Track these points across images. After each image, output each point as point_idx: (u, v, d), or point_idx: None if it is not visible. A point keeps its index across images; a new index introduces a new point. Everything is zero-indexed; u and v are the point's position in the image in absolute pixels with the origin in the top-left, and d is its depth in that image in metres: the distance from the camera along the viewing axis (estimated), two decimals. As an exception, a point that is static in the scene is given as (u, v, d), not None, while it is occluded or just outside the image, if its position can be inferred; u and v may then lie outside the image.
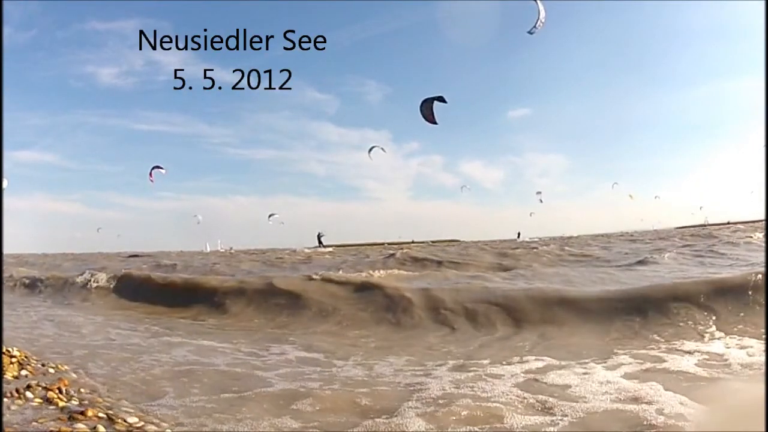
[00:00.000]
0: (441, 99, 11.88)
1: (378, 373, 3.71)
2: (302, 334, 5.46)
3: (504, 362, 3.81)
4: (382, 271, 9.39)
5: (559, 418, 2.59)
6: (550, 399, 2.86)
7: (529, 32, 10.20)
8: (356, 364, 4.02)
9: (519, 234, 38.55)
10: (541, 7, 9.99)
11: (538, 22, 10.03)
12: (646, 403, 2.72)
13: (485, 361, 3.89)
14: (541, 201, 35.94)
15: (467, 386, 3.18)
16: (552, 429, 2.47)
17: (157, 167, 20.79)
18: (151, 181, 20.56)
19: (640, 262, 9.83)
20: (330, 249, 28.25)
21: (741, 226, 28.99)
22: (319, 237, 33.39)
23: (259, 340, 5.19)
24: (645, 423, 2.47)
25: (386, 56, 50.34)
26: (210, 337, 5.28)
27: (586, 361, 3.73)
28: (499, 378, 3.38)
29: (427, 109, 11.92)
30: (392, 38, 48.02)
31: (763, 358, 3.57)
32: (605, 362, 3.67)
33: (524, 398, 2.91)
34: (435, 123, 11.91)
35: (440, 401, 2.90)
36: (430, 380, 3.39)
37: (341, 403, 2.94)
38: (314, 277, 7.73)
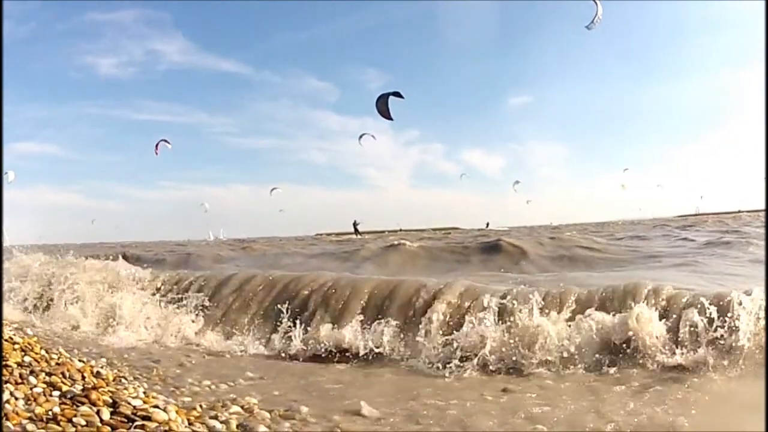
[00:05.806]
0: (397, 94, 12.21)
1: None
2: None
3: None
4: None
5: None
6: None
7: (587, 27, 10.79)
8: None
9: (488, 224, 38.39)
10: (599, 5, 10.50)
11: (596, 18, 10.57)
12: None
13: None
14: (515, 191, 35.97)
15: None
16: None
17: (164, 141, 21.02)
18: (156, 154, 20.73)
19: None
20: (366, 236, 28.44)
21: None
22: (355, 225, 33.53)
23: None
24: None
25: (387, 45, 49.76)
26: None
27: None
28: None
29: (382, 105, 12.24)
30: (393, 27, 47.40)
31: None
32: None
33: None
34: (390, 119, 12.33)
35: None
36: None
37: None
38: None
